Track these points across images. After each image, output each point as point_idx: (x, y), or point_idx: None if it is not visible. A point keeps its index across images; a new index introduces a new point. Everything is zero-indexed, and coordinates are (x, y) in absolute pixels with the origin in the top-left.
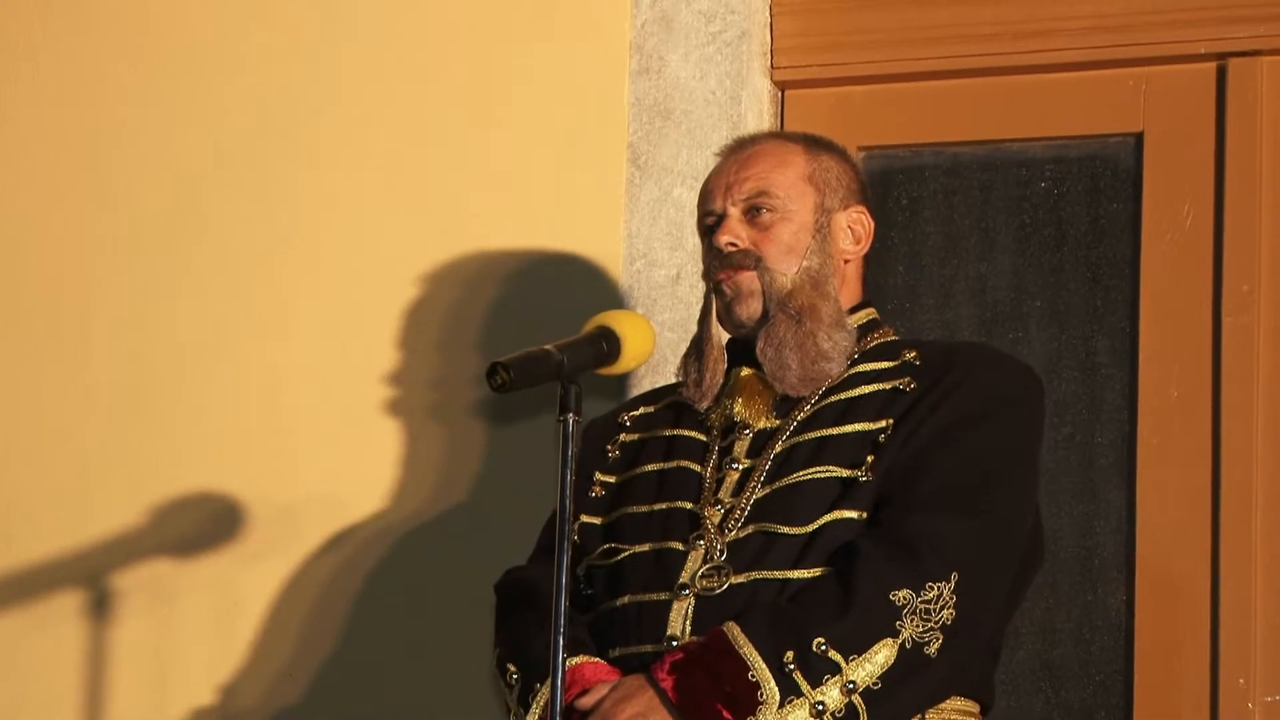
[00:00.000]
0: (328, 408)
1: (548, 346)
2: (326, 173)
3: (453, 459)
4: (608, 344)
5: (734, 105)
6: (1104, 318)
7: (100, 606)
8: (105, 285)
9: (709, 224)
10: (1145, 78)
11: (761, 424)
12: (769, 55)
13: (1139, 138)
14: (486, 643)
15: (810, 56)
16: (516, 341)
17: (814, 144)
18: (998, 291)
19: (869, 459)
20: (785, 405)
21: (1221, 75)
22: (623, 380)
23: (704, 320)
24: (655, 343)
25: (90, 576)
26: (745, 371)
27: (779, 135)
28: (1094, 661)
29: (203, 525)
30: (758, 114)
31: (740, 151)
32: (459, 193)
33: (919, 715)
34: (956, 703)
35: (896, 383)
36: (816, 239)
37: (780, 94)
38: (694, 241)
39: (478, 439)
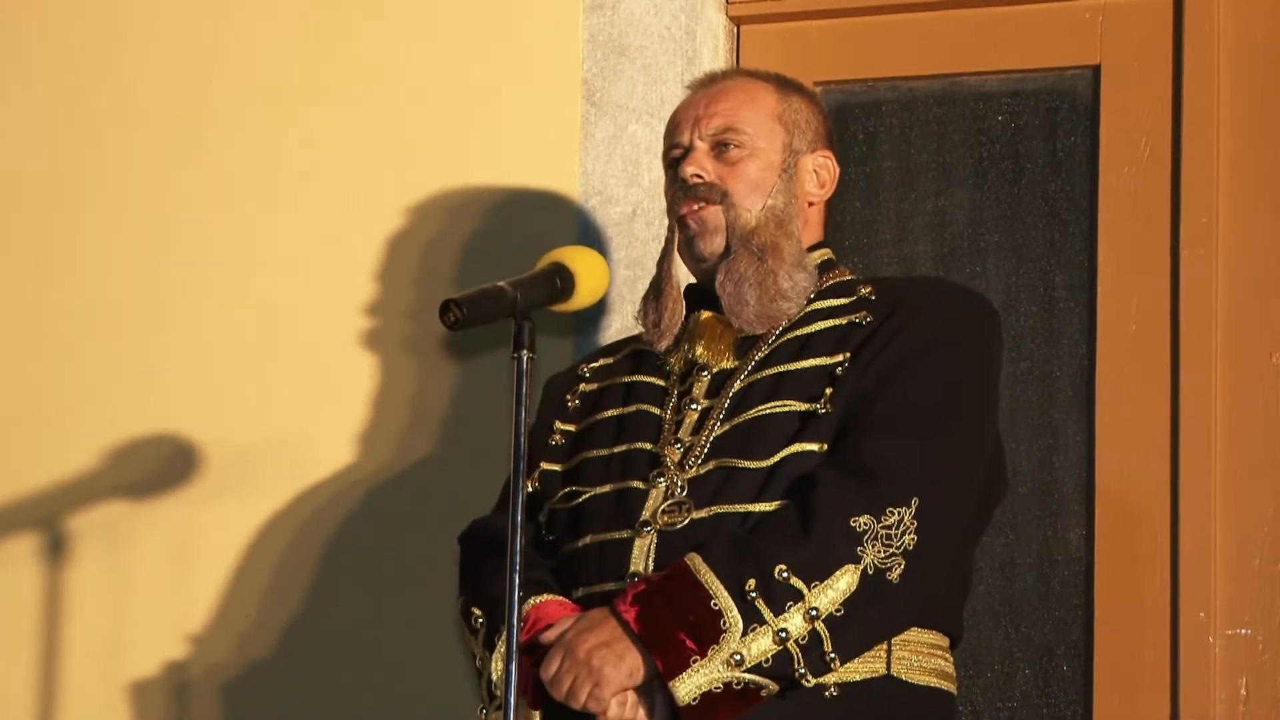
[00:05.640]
0: (287, 347)
1: (501, 283)
2: (283, 109)
3: (415, 399)
4: (561, 281)
5: (689, 41)
6: (1062, 251)
7: (56, 549)
8: (62, 221)
9: (674, 156)
10: (1102, 10)
11: (722, 365)
12: None
13: (1096, 70)
14: (451, 583)
15: None
16: (470, 278)
17: (785, 84)
18: (955, 226)
19: (827, 391)
20: (744, 345)
21: (1179, 7)
22: (577, 318)
23: (663, 260)
24: (610, 280)
25: (46, 519)
26: (705, 314)
27: (750, 73)
28: (1054, 596)
29: (160, 467)
30: (713, 50)
31: (710, 86)
32: (413, 130)
33: (884, 644)
34: (924, 635)
35: (853, 317)
36: (783, 178)
37: (736, 29)
38: (649, 178)
39: (440, 377)
